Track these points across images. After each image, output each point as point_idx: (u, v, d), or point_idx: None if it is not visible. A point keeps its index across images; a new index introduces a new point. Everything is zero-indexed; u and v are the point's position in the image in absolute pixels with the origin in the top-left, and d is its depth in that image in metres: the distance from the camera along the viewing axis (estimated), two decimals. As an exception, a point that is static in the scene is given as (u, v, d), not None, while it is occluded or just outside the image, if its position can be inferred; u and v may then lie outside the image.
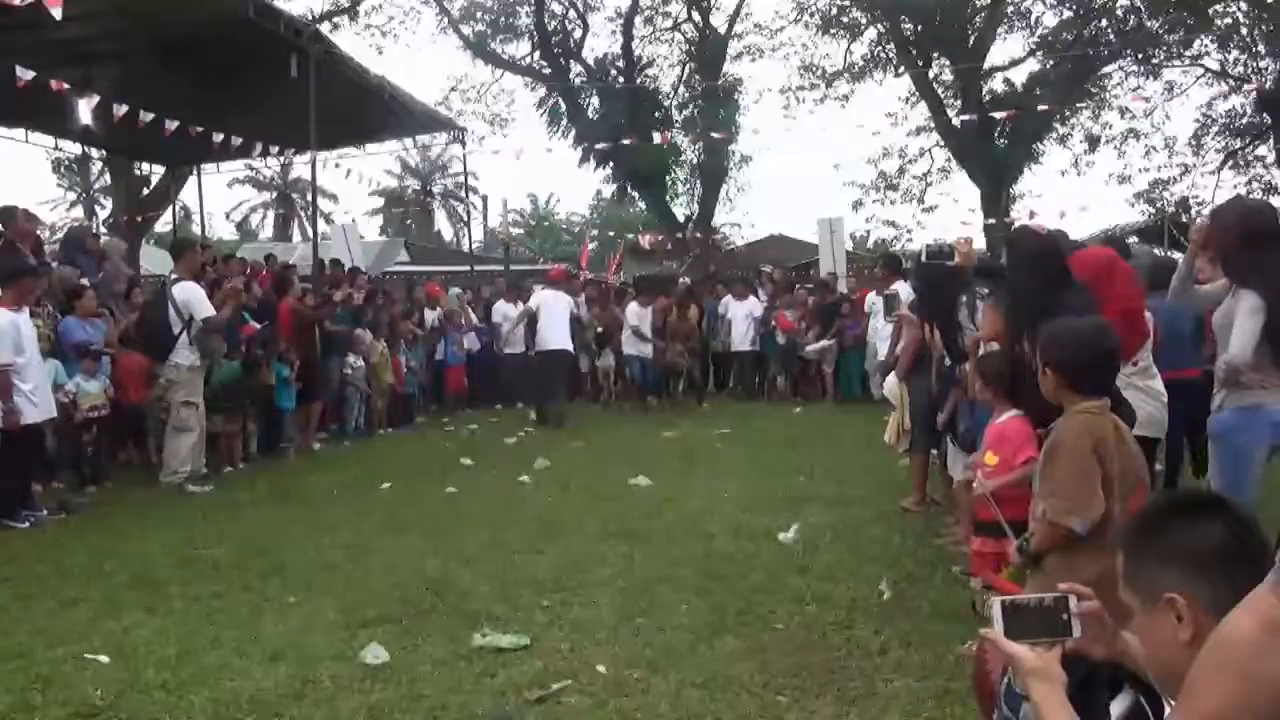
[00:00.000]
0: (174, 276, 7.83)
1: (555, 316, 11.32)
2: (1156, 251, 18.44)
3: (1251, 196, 17.21)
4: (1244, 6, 19.02)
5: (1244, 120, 21.68)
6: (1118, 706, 2.34)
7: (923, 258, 4.78)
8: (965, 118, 19.99)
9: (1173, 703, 1.42)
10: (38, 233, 9.95)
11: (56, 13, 7.66)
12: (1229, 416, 3.67)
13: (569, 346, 11.53)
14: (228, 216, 45.58)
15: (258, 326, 8.97)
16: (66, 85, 11.14)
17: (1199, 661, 1.25)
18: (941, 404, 5.38)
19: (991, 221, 19.65)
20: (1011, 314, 3.82)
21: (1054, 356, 2.69)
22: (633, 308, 12.72)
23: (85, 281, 8.37)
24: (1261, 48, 19.79)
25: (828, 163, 55.99)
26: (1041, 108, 19.25)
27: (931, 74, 21.47)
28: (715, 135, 20.43)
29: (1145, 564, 1.45)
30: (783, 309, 13.31)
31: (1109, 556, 2.49)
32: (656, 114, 22.66)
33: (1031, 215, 20.29)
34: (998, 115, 19.76)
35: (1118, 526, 2.47)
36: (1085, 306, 3.47)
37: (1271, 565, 1.32)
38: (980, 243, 17.04)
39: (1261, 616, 1.19)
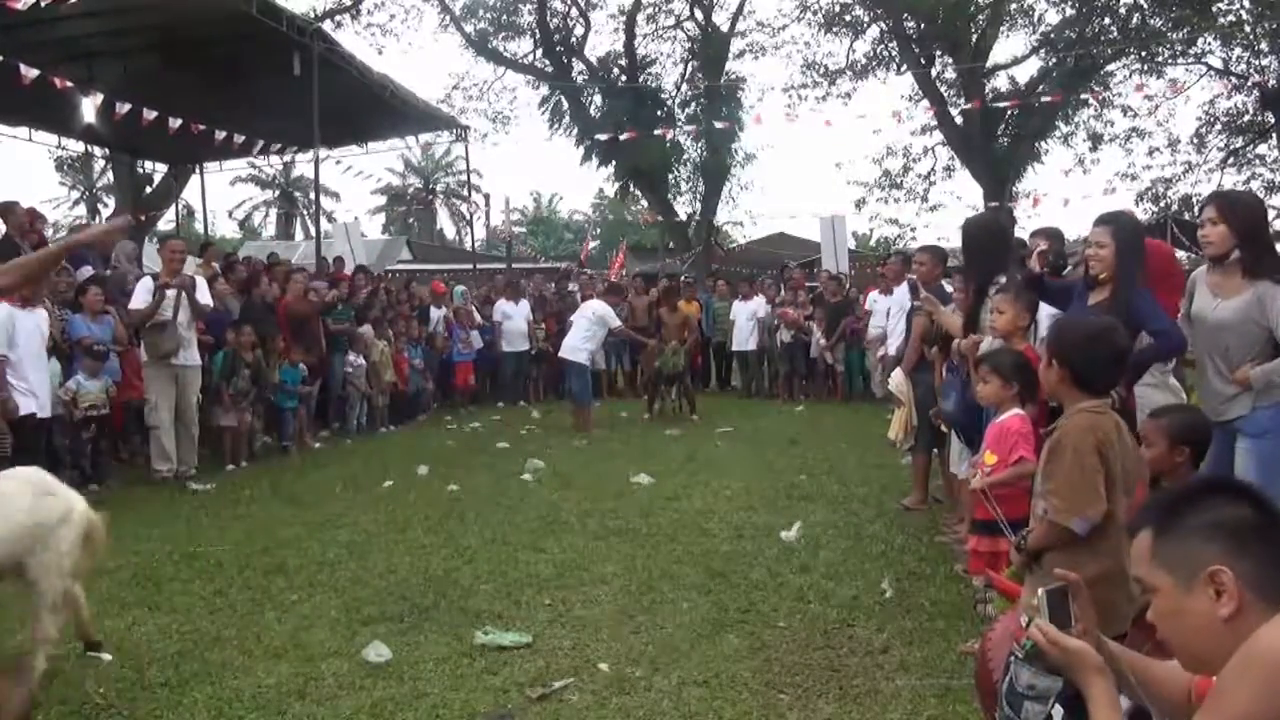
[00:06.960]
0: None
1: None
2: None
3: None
4: (1247, 4, 18.94)
5: (1246, 119, 21.64)
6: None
7: (1054, 269, 4.65)
8: (967, 107, 19.99)
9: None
10: (41, 230, 9.95)
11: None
12: (1267, 415, 3.57)
13: None
14: (230, 215, 45.76)
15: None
16: (69, 83, 11.16)
17: (1230, 665, 1.24)
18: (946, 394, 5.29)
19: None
20: (1118, 290, 3.76)
21: (1066, 352, 2.61)
22: (594, 304, 10.81)
23: (87, 272, 8.35)
24: (1264, 45, 19.71)
25: (830, 161, 55.78)
26: (1045, 99, 19.23)
27: (934, 72, 21.44)
28: (719, 125, 20.40)
29: (1181, 540, 1.42)
30: (788, 305, 13.20)
31: (1108, 556, 2.50)
32: (659, 112, 22.64)
33: (1036, 204, 20.36)
34: (1001, 105, 19.76)
35: (1120, 526, 2.46)
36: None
37: None
38: None
39: None
